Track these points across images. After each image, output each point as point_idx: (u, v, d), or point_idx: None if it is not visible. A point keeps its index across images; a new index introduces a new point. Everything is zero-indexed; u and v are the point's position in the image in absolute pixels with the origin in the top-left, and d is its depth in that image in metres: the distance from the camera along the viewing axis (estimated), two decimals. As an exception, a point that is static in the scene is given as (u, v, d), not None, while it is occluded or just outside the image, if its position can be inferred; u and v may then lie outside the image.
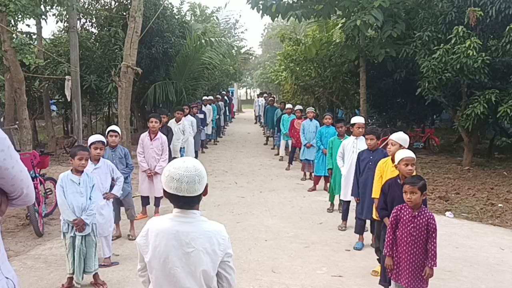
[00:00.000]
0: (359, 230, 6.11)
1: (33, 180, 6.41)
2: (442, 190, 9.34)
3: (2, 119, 13.04)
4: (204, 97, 16.75)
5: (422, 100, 12.62)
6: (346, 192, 6.70)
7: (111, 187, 5.51)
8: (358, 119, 6.80)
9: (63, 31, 15.72)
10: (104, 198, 5.25)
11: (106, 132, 6.39)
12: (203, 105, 15.47)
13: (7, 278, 1.76)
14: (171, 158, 8.33)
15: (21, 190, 1.77)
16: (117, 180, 5.55)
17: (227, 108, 23.18)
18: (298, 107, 12.24)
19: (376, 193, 4.91)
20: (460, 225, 7.19)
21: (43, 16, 10.61)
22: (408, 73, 13.08)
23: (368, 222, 5.98)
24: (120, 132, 6.44)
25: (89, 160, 4.85)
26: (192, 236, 2.18)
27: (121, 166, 6.22)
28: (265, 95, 24.22)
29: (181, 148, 9.52)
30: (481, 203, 8.35)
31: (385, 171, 4.89)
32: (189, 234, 2.17)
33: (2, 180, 1.68)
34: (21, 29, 11.40)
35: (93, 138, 5.42)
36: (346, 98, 18.57)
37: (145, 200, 7.44)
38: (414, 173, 4.33)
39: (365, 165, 5.84)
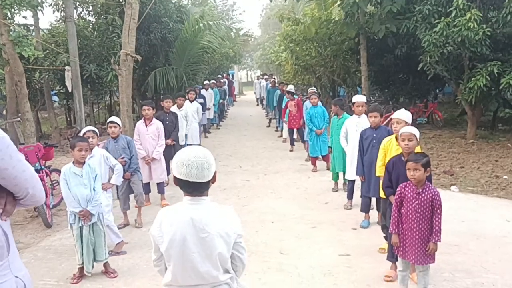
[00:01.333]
0: (365, 208, 6.14)
1: (38, 172, 6.50)
2: (446, 164, 9.34)
3: (4, 112, 13.08)
4: (206, 82, 16.67)
5: (424, 75, 12.52)
6: (351, 171, 6.70)
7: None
8: (358, 98, 6.77)
9: (60, 21, 15.62)
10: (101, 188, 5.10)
11: (107, 124, 6.41)
12: (204, 89, 15.42)
13: (16, 277, 1.73)
14: (179, 146, 8.30)
15: (26, 190, 1.74)
16: (115, 169, 5.50)
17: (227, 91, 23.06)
18: (290, 87, 12.06)
19: (380, 171, 4.92)
20: (466, 199, 7.22)
21: (40, 7, 10.55)
22: (409, 48, 12.96)
23: (374, 199, 6.01)
24: (120, 123, 6.40)
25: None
26: (205, 221, 2.25)
27: (126, 156, 6.24)
28: (265, 76, 24.07)
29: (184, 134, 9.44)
30: (486, 176, 8.35)
31: (389, 149, 4.87)
32: (203, 220, 2.25)
33: (3, 181, 1.66)
34: (18, 22, 11.36)
35: (84, 129, 5.57)
36: (347, 76, 18.44)
37: (146, 188, 7.44)
38: (418, 149, 4.33)
39: (368, 143, 5.83)
